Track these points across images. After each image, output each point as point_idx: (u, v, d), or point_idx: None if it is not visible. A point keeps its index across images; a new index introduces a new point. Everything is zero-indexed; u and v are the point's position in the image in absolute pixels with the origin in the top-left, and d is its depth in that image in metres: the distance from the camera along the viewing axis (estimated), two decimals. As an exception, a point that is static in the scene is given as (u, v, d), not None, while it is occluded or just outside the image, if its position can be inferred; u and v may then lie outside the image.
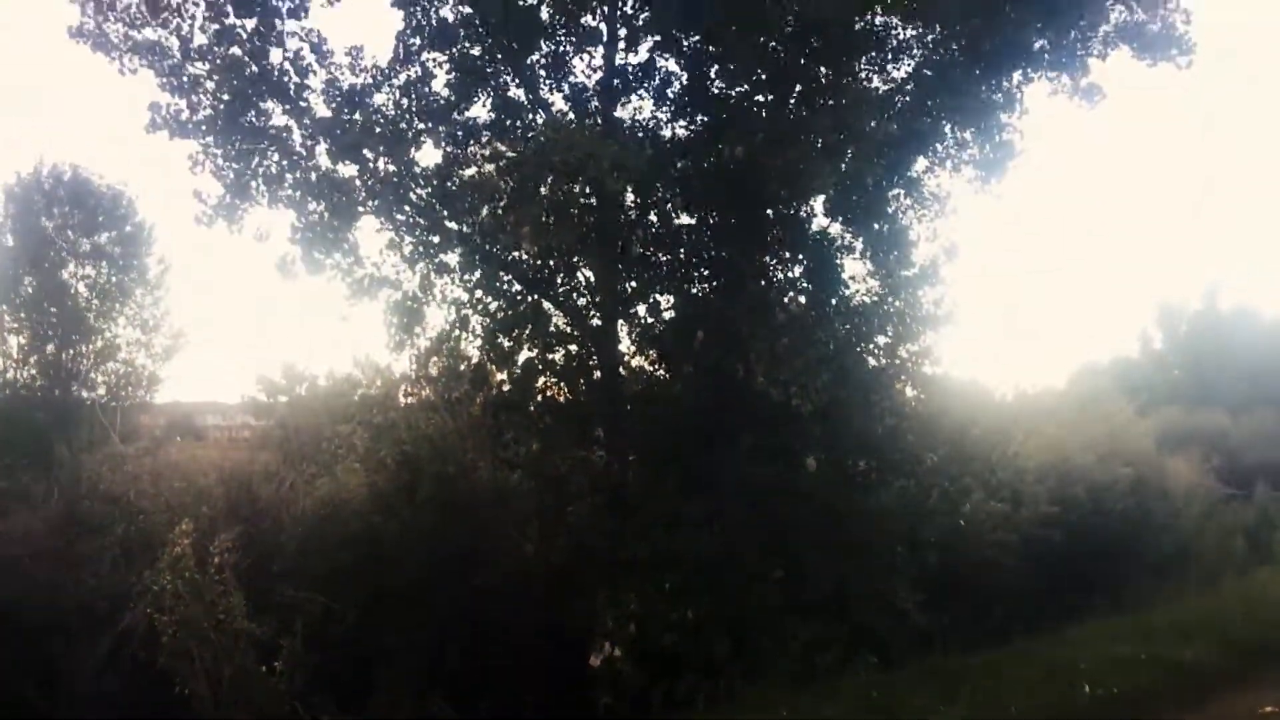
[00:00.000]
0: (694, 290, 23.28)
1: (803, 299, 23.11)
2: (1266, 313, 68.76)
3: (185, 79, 20.25)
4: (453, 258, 22.25)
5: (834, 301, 22.92)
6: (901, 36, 23.10)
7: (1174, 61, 21.41)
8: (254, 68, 20.26)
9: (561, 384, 23.51)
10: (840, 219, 22.93)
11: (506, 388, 23.28)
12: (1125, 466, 31.53)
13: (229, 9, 20.04)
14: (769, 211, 22.83)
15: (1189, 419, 47.00)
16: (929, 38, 22.87)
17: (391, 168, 21.18)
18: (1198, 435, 42.97)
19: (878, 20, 22.83)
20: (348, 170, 20.92)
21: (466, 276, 22.41)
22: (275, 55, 20.59)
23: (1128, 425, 34.86)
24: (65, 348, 47.56)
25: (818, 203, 22.79)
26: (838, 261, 23.00)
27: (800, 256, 22.97)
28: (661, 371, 23.70)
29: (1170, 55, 21.39)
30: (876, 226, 22.72)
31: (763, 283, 22.78)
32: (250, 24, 20.27)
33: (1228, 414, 50.23)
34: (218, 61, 20.12)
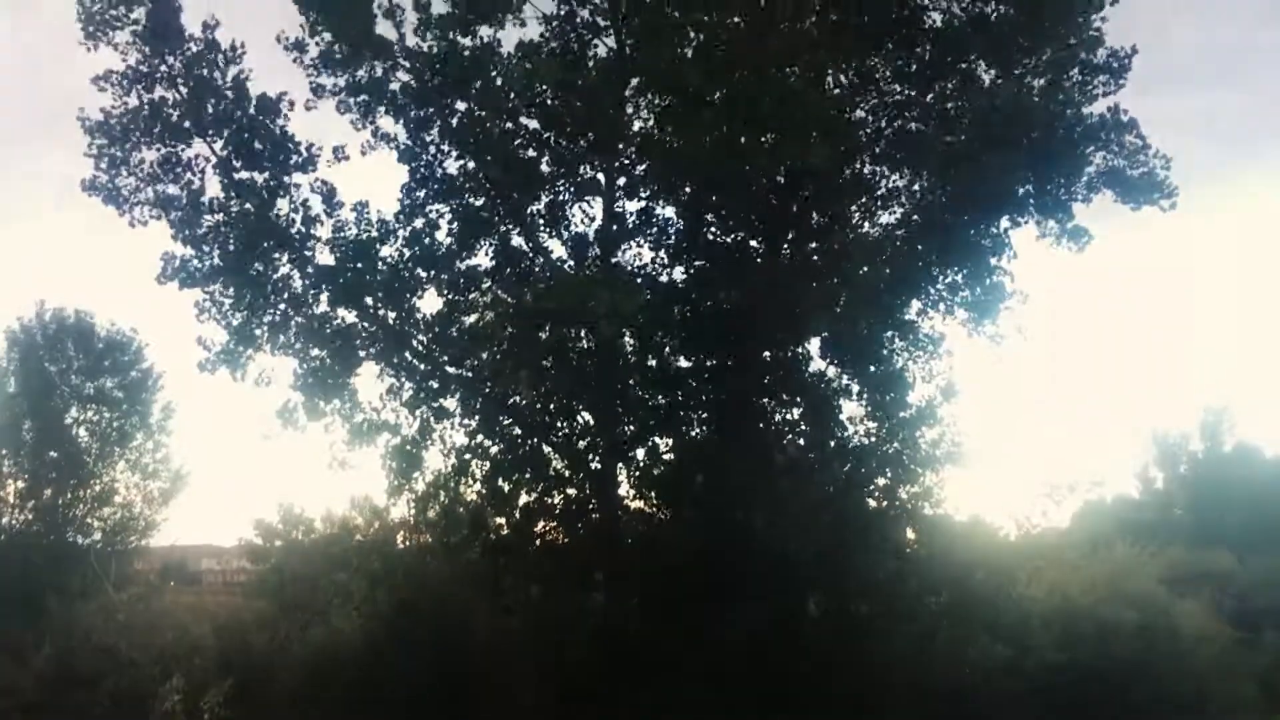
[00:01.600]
0: (693, 433, 23.39)
1: (801, 441, 23.20)
2: (1268, 450, 68.68)
3: (196, 230, 20.79)
4: (452, 402, 22.50)
5: (832, 444, 22.99)
6: (890, 184, 23.75)
7: (1157, 205, 21.94)
8: (262, 220, 20.78)
9: (561, 528, 23.40)
10: (836, 361, 23.18)
11: (505, 532, 23.16)
12: (1131, 610, 31.01)
13: (239, 164, 20.68)
14: (765, 355, 23.16)
15: (1195, 559, 46.39)
16: (917, 185, 23.52)
17: (393, 315, 21.58)
18: (1204, 576, 42.37)
19: (866, 169, 23.50)
20: (350, 317, 21.28)
21: (466, 421, 22.59)
22: (283, 206, 21.20)
23: (1133, 567, 34.42)
24: (63, 492, 47.27)
25: (813, 346, 23.13)
26: (834, 404, 23.15)
27: (797, 399, 23.14)
28: (661, 515, 23.60)
29: (1153, 199, 21.91)
30: (872, 369, 22.94)
31: (760, 425, 22.92)
32: (260, 178, 20.90)
33: (1234, 554, 49.66)
34: (228, 214, 20.68)
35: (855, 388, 23.24)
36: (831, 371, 23.30)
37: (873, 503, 23.12)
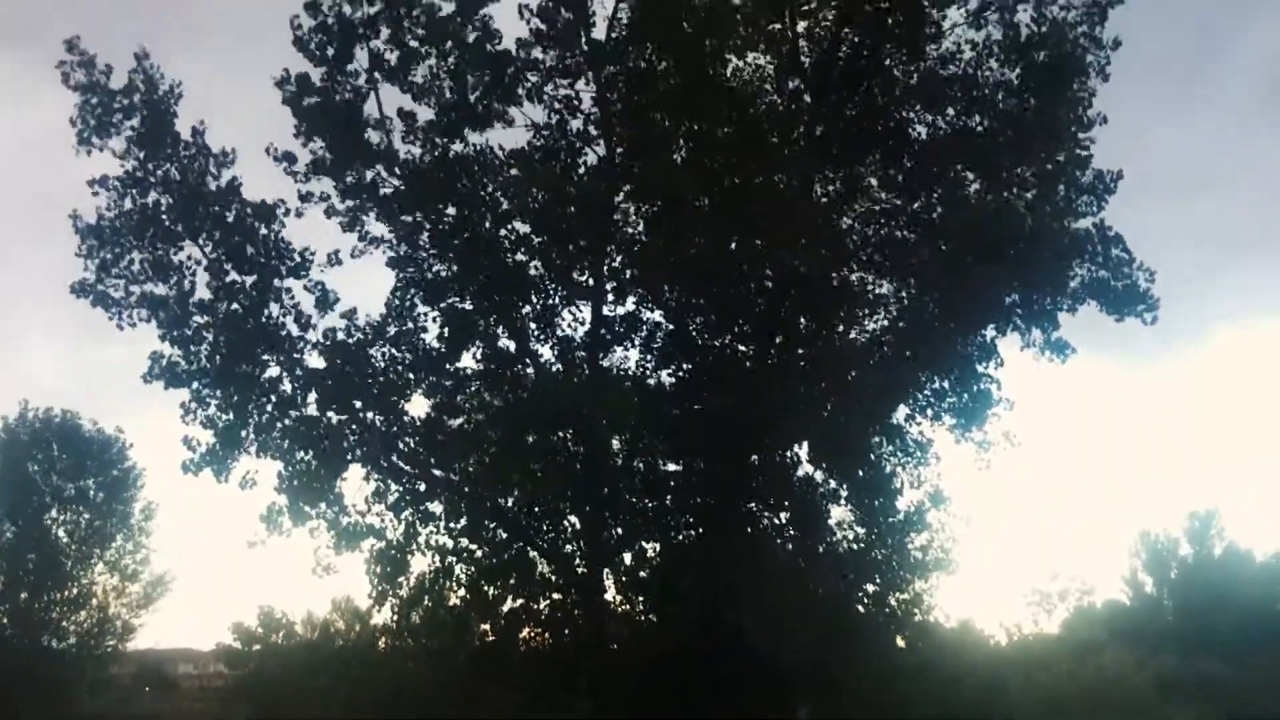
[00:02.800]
0: (680, 537, 23.22)
1: (789, 546, 23.05)
2: (1258, 553, 68.34)
3: (185, 331, 20.82)
4: (438, 506, 22.30)
5: (821, 549, 22.87)
6: (878, 291, 23.99)
7: (1140, 317, 22.20)
8: (252, 321, 20.85)
9: (546, 633, 23.07)
10: (824, 466, 23.15)
11: (490, 638, 22.81)
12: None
13: (230, 266, 20.82)
14: (754, 459, 23.12)
15: (1188, 667, 45.93)
16: (904, 293, 23.76)
17: (381, 417, 21.53)
18: (1198, 685, 41.88)
19: (854, 276, 23.77)
20: (337, 420, 21.21)
21: (452, 524, 22.38)
22: (273, 309, 21.29)
23: (1125, 674, 34.13)
24: (39, 595, 46.56)
25: (801, 450, 23.09)
26: (823, 508, 23.08)
27: (785, 503, 23.05)
28: (649, 619, 23.32)
29: (1136, 311, 22.17)
30: (860, 474, 22.95)
31: (749, 530, 22.79)
32: (250, 280, 21.03)
33: (1227, 660, 49.20)
34: (217, 315, 20.75)
35: (844, 493, 23.23)
36: (820, 476, 23.30)
37: (862, 609, 22.91)
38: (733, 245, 22.06)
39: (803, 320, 23.76)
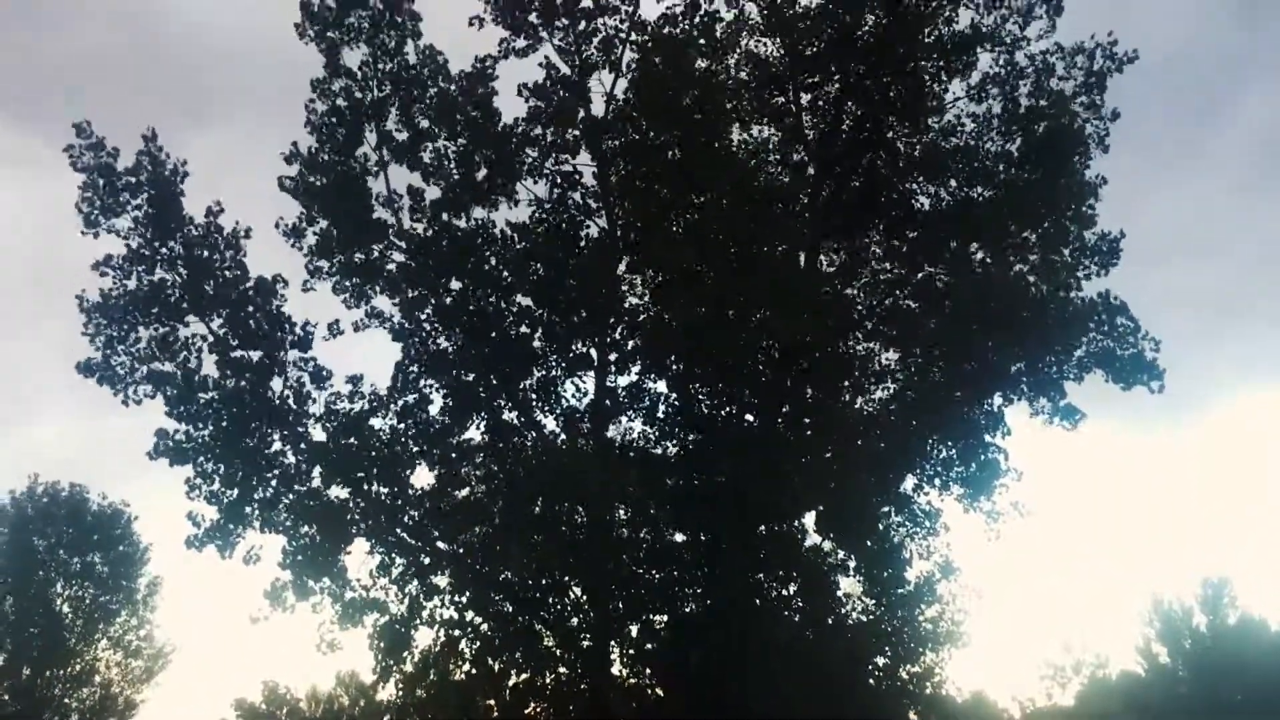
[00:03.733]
0: (687, 609, 22.94)
1: (797, 618, 22.76)
2: (1273, 622, 67.43)
3: (190, 407, 20.86)
4: (443, 579, 22.12)
5: (830, 620, 22.56)
6: (883, 360, 24.03)
7: (1147, 386, 22.17)
8: (256, 397, 20.91)
9: (552, 709, 22.72)
10: (832, 537, 22.95)
11: (495, 714, 22.46)
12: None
13: (235, 343, 20.94)
14: (760, 529, 22.92)
15: (1205, 739, 45.14)
16: (910, 361, 23.76)
17: (385, 490, 21.46)
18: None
19: (859, 345, 23.81)
20: (342, 494, 21.19)
21: (457, 597, 22.16)
22: (277, 384, 21.38)
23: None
24: (42, 670, 46.17)
25: (809, 520, 22.92)
26: (831, 579, 22.83)
27: (793, 574, 22.79)
28: (655, 693, 22.96)
29: (1142, 380, 22.15)
30: (869, 544, 22.71)
31: (757, 601, 22.52)
32: (255, 356, 21.13)
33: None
34: (222, 391, 20.81)
35: (853, 563, 22.98)
36: (827, 546, 23.07)
37: (873, 681, 22.56)
38: (736, 315, 22.10)
39: (808, 390, 23.72)
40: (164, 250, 20.67)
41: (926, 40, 24.03)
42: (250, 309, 21.05)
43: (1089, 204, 23.37)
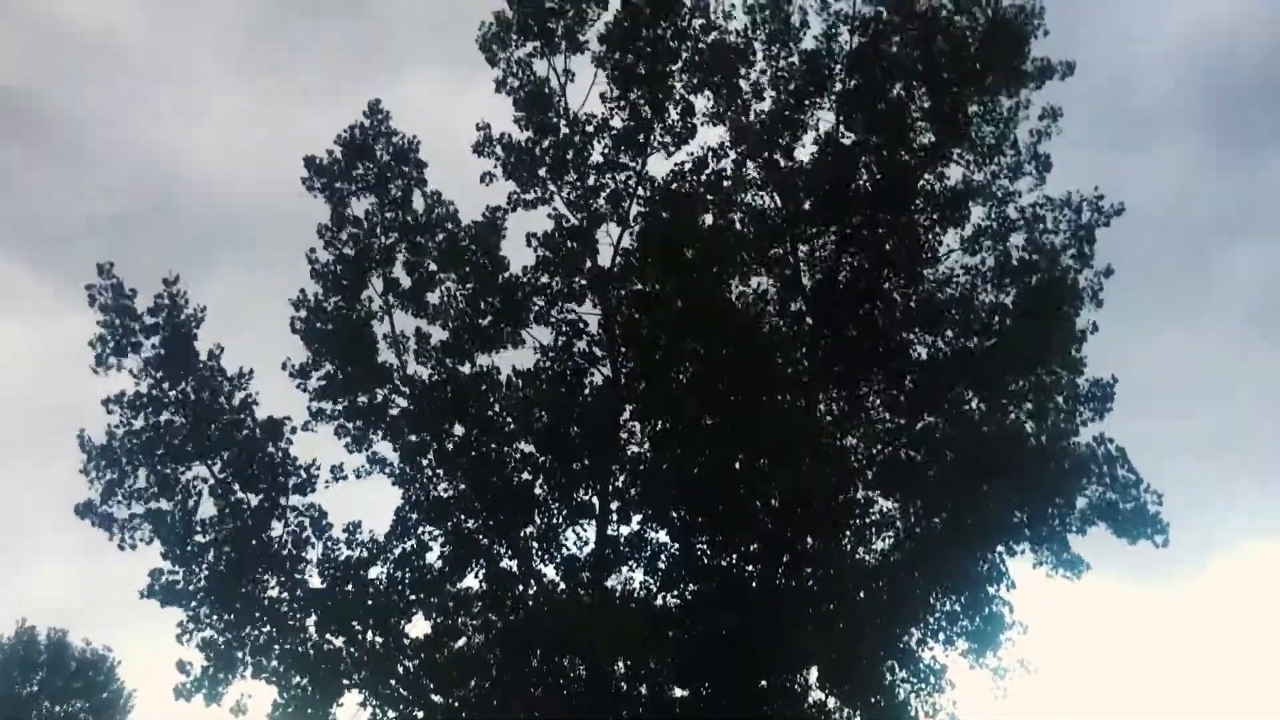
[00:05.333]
0: (688, 767, 22.29)
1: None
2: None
3: (186, 549, 20.67)
4: (437, 734, 21.50)
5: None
6: (884, 510, 23.91)
7: (1151, 540, 22.01)
8: (254, 540, 20.75)
9: None
10: (836, 692, 22.42)
11: None
12: None
13: (236, 485, 20.88)
14: (763, 683, 22.43)
15: None
16: (911, 511, 23.64)
17: (380, 639, 21.07)
18: None
19: (860, 495, 23.73)
20: (337, 642, 20.81)
21: (452, 754, 21.53)
22: (276, 528, 21.24)
23: None
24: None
25: (811, 675, 22.42)
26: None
27: (797, 731, 22.22)
28: None
29: (1147, 534, 22.01)
30: (874, 700, 22.19)
31: (760, 760, 21.88)
32: (255, 499, 21.04)
33: None
34: (220, 534, 20.68)
35: (857, 720, 22.42)
36: (832, 703, 22.50)
37: None
38: (738, 464, 22.09)
39: (809, 540, 23.53)
40: (173, 392, 20.80)
41: (920, 194, 24.65)
42: (254, 452, 21.06)
43: (1077, 350, 23.61)
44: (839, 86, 25.05)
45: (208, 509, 21.12)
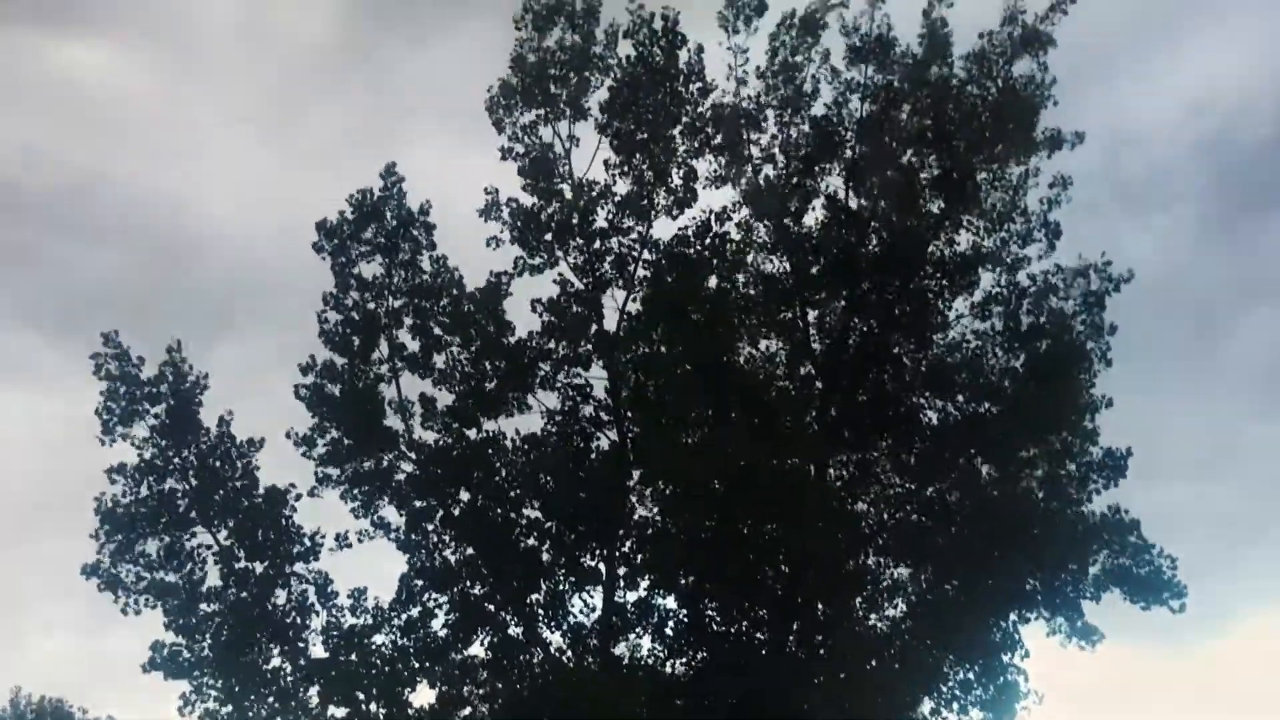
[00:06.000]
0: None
1: None
2: None
3: (190, 619, 20.51)
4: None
5: None
6: (895, 576, 23.57)
7: (1167, 605, 21.68)
8: (259, 609, 20.57)
9: None
10: (847, 763, 21.93)
11: None
12: None
13: (242, 554, 20.76)
14: (773, 754, 22.00)
15: None
16: (922, 578, 23.33)
17: (384, 710, 20.79)
18: None
19: (870, 560, 23.44)
20: (340, 713, 20.56)
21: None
22: (280, 595, 21.07)
23: None
24: None
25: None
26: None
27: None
28: None
29: (1162, 600, 21.69)
30: (888, 772, 21.71)
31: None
32: (260, 567, 20.90)
33: None
34: (224, 603, 20.53)
35: (869, 793, 21.88)
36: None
37: None
38: (746, 529, 21.86)
39: (820, 606, 23.21)
40: (177, 460, 20.77)
41: (929, 259, 24.63)
42: (259, 519, 20.97)
43: (1090, 420, 23.40)
44: (849, 153, 25.18)
45: (213, 578, 21.03)
